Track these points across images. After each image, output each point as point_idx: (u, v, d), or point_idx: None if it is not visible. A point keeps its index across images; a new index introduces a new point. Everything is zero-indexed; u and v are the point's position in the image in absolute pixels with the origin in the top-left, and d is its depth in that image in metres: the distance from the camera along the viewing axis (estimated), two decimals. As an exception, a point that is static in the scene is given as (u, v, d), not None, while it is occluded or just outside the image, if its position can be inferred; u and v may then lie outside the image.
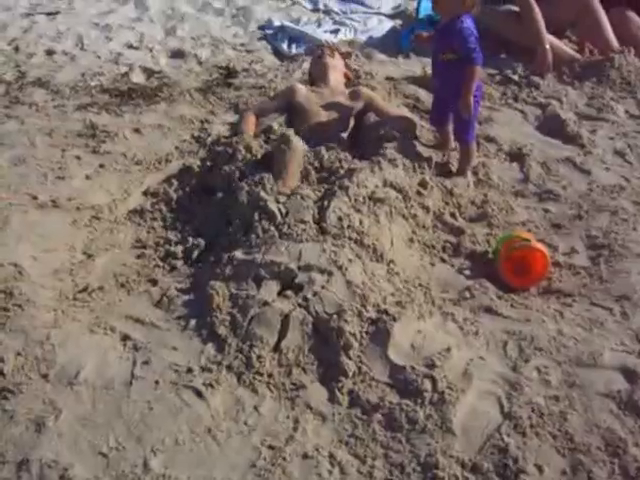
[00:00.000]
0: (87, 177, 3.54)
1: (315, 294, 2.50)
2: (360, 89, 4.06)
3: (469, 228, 3.19)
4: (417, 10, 5.91)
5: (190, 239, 3.04)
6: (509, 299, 2.74)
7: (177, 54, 5.44)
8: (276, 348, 2.38)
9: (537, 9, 4.88)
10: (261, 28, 6.03)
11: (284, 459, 2.03)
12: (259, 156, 3.42)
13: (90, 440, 2.06)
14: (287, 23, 5.90)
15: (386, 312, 2.45)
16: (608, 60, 4.75)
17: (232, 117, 4.28)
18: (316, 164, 3.36)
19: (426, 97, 4.41)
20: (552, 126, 4.16)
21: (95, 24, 6.05)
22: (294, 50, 5.54)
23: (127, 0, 6.64)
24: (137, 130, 4.05)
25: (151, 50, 5.52)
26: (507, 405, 2.19)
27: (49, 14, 6.29)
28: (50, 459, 1.98)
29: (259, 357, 2.33)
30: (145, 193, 3.45)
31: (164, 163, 3.72)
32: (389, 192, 3.12)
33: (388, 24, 6.03)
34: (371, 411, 2.19)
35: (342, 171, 3.23)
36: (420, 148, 3.61)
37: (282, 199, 3.00)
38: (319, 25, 6.04)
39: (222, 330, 2.43)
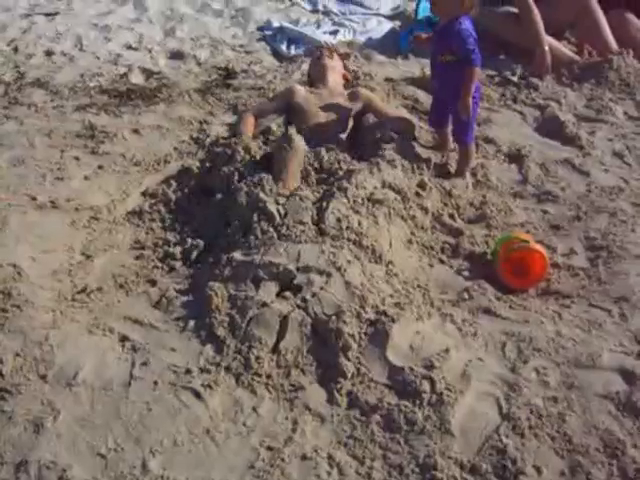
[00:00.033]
0: (86, 178, 3.54)
1: (314, 295, 2.50)
2: (359, 90, 4.07)
3: (468, 229, 3.20)
4: (416, 11, 5.91)
5: (189, 240, 3.04)
6: (508, 300, 2.75)
7: (176, 55, 5.44)
8: (275, 349, 2.38)
9: (536, 11, 4.88)
10: (260, 29, 6.03)
11: (283, 460, 2.03)
12: (258, 157, 3.43)
13: (89, 441, 2.06)
14: (286, 24, 5.90)
15: (385, 313, 2.45)
16: (607, 62, 4.76)
17: (231, 118, 4.28)
18: (316, 165, 3.37)
19: (425, 98, 4.41)
20: (551, 127, 4.16)
21: (94, 25, 6.05)
22: (293, 51, 5.53)
23: (126, 1, 6.63)
24: (136, 131, 4.06)
25: (150, 51, 5.52)
26: (506, 406, 2.19)
27: (48, 15, 6.29)
28: (48, 460, 1.98)
29: (258, 358, 2.33)
30: (144, 194, 3.44)
31: (163, 164, 3.72)
32: (388, 193, 3.12)
33: (387, 25, 6.02)
34: (370, 412, 2.19)
35: (341, 172, 3.24)
36: (419, 149, 3.61)
37: (281, 200, 3.00)
38: (318, 26, 6.04)
39: (221, 331, 2.43)
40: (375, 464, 2.03)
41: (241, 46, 5.69)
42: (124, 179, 3.56)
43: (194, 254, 2.97)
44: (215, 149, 3.60)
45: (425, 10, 5.60)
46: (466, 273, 2.95)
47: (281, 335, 2.40)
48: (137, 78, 4.96)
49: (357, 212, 2.94)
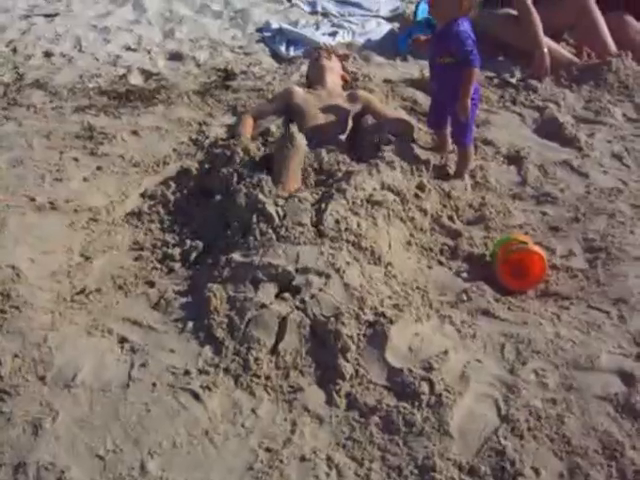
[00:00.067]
0: (85, 179, 3.54)
1: (312, 297, 2.50)
2: (358, 92, 4.07)
3: (467, 231, 3.20)
4: (415, 13, 5.91)
5: (188, 241, 3.04)
6: (506, 302, 2.75)
7: (175, 56, 5.44)
8: (273, 351, 2.38)
9: (535, 13, 4.89)
10: (259, 31, 6.03)
11: (281, 462, 2.03)
12: (257, 158, 3.43)
13: (87, 442, 2.06)
14: (285, 26, 5.90)
15: (383, 315, 2.45)
16: (606, 64, 4.76)
17: (230, 119, 4.28)
18: (315, 165, 3.37)
19: (424, 100, 4.41)
20: (550, 129, 4.16)
21: (93, 26, 6.05)
22: (292, 53, 5.54)
23: (125, 2, 6.63)
24: (135, 132, 4.05)
25: (149, 52, 5.52)
26: (504, 408, 2.19)
27: (47, 16, 6.29)
28: (47, 461, 1.98)
29: (256, 360, 2.33)
30: (143, 195, 3.44)
31: (162, 165, 3.72)
32: (387, 195, 3.12)
33: (386, 27, 6.03)
34: (368, 414, 2.19)
35: (340, 174, 3.24)
36: (418, 151, 3.61)
37: (280, 202, 3.00)
38: (317, 28, 6.04)
39: (219, 332, 2.43)
40: (374, 465, 2.03)
41: (240, 47, 5.69)
42: (123, 180, 3.56)
43: (193, 255, 2.97)
44: (214, 150, 3.60)
45: (424, 12, 5.61)
46: (465, 275, 2.95)
47: (280, 336, 2.40)
48: (136, 79, 4.96)
49: (356, 214, 2.94)
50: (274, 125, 3.83)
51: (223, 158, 3.45)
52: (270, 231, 2.85)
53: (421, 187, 3.31)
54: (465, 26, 3.31)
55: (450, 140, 3.71)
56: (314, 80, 4.30)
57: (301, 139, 3.33)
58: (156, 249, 3.06)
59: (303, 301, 2.48)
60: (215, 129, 4.13)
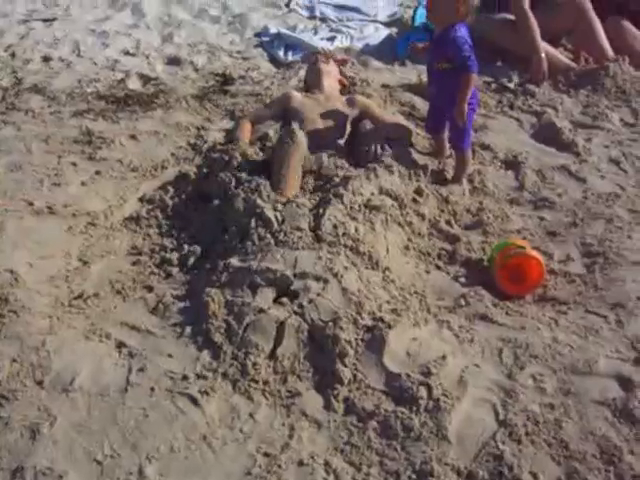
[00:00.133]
0: (83, 184, 3.54)
1: (311, 301, 2.50)
2: (356, 96, 4.08)
3: (464, 236, 3.20)
4: (413, 18, 5.93)
5: (186, 246, 3.04)
6: (504, 307, 2.75)
7: (173, 61, 5.45)
8: (271, 355, 2.38)
9: (532, 18, 4.90)
10: (257, 35, 6.04)
11: (279, 467, 2.03)
12: (255, 163, 3.43)
13: (85, 447, 2.06)
14: (283, 30, 5.91)
15: (381, 320, 2.45)
16: (603, 69, 4.77)
17: (228, 124, 4.28)
18: (314, 168, 3.38)
19: (422, 105, 4.42)
20: (547, 134, 4.17)
21: (92, 31, 6.06)
22: (290, 57, 5.54)
23: (124, 7, 6.65)
24: (133, 137, 4.06)
25: (147, 57, 5.52)
26: (502, 412, 2.19)
27: (46, 21, 6.30)
28: (45, 466, 1.98)
29: (254, 364, 2.33)
30: (141, 200, 3.45)
31: (160, 170, 3.73)
32: (385, 200, 3.12)
33: (384, 32, 6.04)
34: (366, 418, 2.19)
35: (337, 179, 3.24)
36: (416, 156, 3.61)
37: (279, 207, 3.00)
38: (315, 32, 6.05)
39: (217, 337, 2.43)
40: (372, 470, 2.03)
41: (238, 52, 5.70)
42: (121, 185, 3.56)
43: (191, 260, 2.97)
44: (212, 155, 3.60)
45: (422, 17, 5.63)
46: (463, 279, 2.95)
47: (278, 341, 2.40)
48: (134, 84, 4.96)
49: (354, 218, 2.95)
50: (272, 130, 3.84)
51: (221, 163, 3.45)
52: (268, 236, 2.85)
53: (419, 192, 3.32)
54: (462, 32, 3.31)
55: (448, 145, 3.71)
56: (312, 84, 4.30)
57: (302, 136, 3.34)
58: (154, 254, 3.05)
59: (301, 306, 2.49)
60: (213, 134, 4.13)
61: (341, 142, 3.76)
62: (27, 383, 2.26)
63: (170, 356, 2.39)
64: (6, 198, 3.32)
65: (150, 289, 2.80)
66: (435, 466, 2.01)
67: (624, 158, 3.92)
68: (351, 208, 2.99)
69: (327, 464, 2.04)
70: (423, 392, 2.22)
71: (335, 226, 2.86)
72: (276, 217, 2.93)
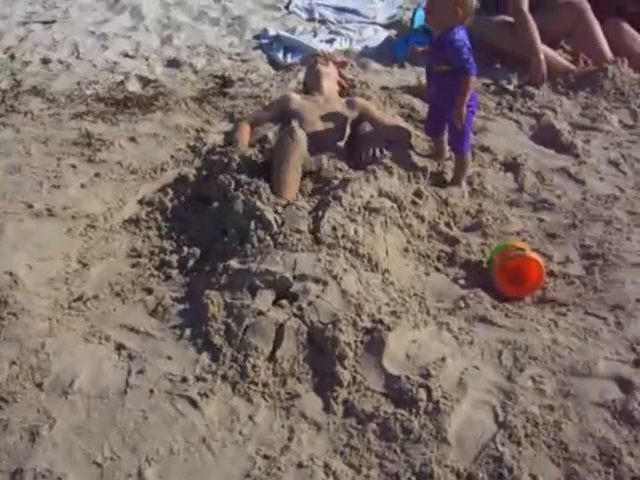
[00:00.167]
0: (82, 186, 3.54)
1: (310, 303, 2.50)
2: (355, 99, 4.08)
3: (464, 238, 3.20)
4: (412, 20, 5.93)
5: (185, 248, 3.04)
6: (504, 308, 2.75)
7: (173, 63, 5.45)
8: (271, 357, 2.38)
9: (531, 20, 4.89)
10: (257, 37, 6.04)
11: (279, 469, 2.03)
12: (254, 165, 3.43)
13: (84, 449, 2.06)
14: (283, 33, 5.92)
15: (381, 322, 2.45)
16: (602, 71, 4.77)
17: (228, 126, 4.28)
18: (314, 169, 3.38)
19: (421, 107, 4.42)
20: (546, 136, 4.17)
21: (91, 33, 6.06)
22: (289, 59, 5.54)
23: (123, 9, 6.65)
24: (133, 139, 4.06)
25: (147, 59, 5.52)
26: (502, 414, 2.19)
27: (45, 23, 6.30)
28: (44, 469, 1.98)
29: (254, 366, 2.33)
30: (140, 202, 3.45)
31: (159, 172, 3.73)
32: (384, 202, 3.12)
33: (383, 34, 6.04)
34: (366, 421, 2.19)
35: (336, 181, 3.24)
36: (415, 158, 3.61)
37: (279, 209, 3.00)
38: (315, 35, 6.05)
39: (217, 339, 2.43)
40: (371, 473, 2.03)
41: (237, 54, 5.70)
42: (121, 187, 3.56)
43: (190, 262, 2.97)
44: (211, 157, 3.59)
45: (421, 19, 5.62)
46: (462, 281, 2.95)
47: (277, 343, 2.40)
48: (134, 86, 4.96)
49: (353, 220, 2.95)
50: (271, 132, 3.83)
51: (220, 165, 3.45)
52: (268, 238, 2.85)
53: (418, 194, 3.32)
54: (461, 34, 3.32)
55: (447, 147, 3.71)
56: (311, 86, 4.30)
57: (301, 134, 3.34)
58: (154, 256, 3.06)
59: (300, 308, 2.49)
60: (212, 136, 4.13)
61: (341, 144, 3.75)
62: (26, 385, 2.26)
63: (169, 358, 2.40)
64: (5, 200, 3.32)
65: (149, 291, 2.81)
66: (435, 468, 2.01)
67: (623, 160, 3.92)
68: (350, 210, 2.99)
69: (327, 466, 2.04)
70: (423, 394, 2.22)
71: (334, 228, 2.86)
72: (275, 219, 2.93)
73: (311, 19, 6.52)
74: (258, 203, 3.02)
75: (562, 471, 2.02)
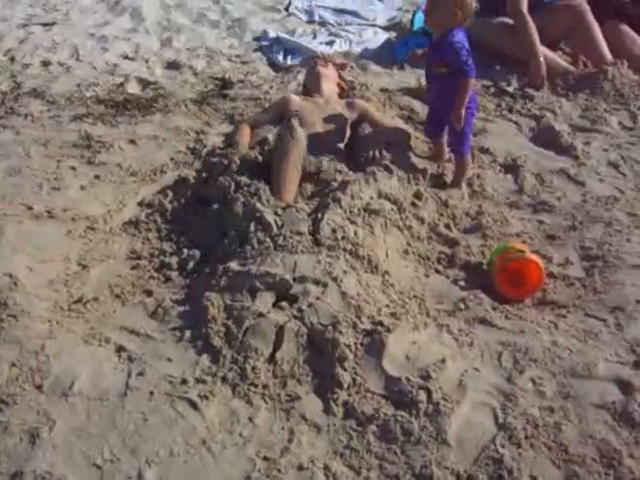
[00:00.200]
0: (82, 188, 3.55)
1: (310, 305, 2.50)
2: (355, 100, 4.08)
3: (464, 239, 3.20)
4: (412, 22, 5.93)
5: (185, 250, 3.04)
6: (504, 310, 2.74)
7: (172, 65, 5.45)
8: (271, 359, 2.38)
9: (531, 22, 4.90)
10: (256, 39, 6.04)
11: (279, 470, 2.03)
12: (254, 167, 3.42)
13: (84, 451, 2.06)
14: (282, 35, 5.92)
15: (381, 323, 2.45)
16: (602, 72, 4.77)
17: (227, 128, 4.28)
18: (313, 170, 3.38)
19: (421, 108, 4.42)
20: (546, 137, 4.17)
21: (91, 35, 6.07)
22: (289, 61, 5.55)
23: (123, 11, 6.65)
24: (132, 141, 4.06)
25: (147, 61, 5.53)
26: (502, 416, 2.19)
27: (45, 25, 6.31)
28: (44, 471, 1.98)
29: (254, 368, 2.33)
30: (140, 204, 3.45)
31: (159, 174, 3.73)
32: (384, 203, 3.12)
33: (383, 36, 6.05)
34: (366, 422, 2.19)
35: (336, 183, 3.24)
36: (415, 159, 3.61)
37: (278, 211, 3.00)
38: (314, 37, 6.06)
39: (217, 341, 2.43)
40: (371, 474, 2.03)
41: (237, 56, 5.70)
42: (120, 189, 3.56)
43: (190, 264, 2.97)
44: (211, 159, 3.59)
45: (420, 21, 5.62)
46: (462, 283, 2.95)
47: (277, 345, 2.40)
48: (133, 88, 4.97)
49: (353, 222, 2.95)
50: (271, 134, 3.83)
51: (220, 167, 3.45)
52: (268, 240, 2.85)
53: (418, 196, 3.32)
54: (460, 36, 3.32)
55: (447, 149, 3.71)
56: (311, 88, 4.30)
57: (301, 132, 3.34)
58: (153, 258, 3.06)
59: (300, 310, 2.49)
60: (212, 138, 4.13)
61: (341, 146, 3.75)
62: (26, 387, 2.26)
63: (169, 360, 2.40)
64: (5, 202, 3.32)
65: (149, 293, 2.81)
66: (435, 470, 2.01)
67: (623, 161, 3.92)
68: (350, 212, 2.99)
69: (327, 468, 2.04)
70: (423, 396, 2.22)
71: (334, 230, 2.86)
72: (275, 221, 2.93)
73: (311, 21, 6.52)
74: (258, 205, 3.02)
75: (562, 473, 2.02)
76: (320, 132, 3.72)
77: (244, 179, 3.28)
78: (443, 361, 2.37)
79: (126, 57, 5.61)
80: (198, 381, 2.30)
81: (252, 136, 3.89)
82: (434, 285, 2.93)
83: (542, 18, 4.97)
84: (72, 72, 5.26)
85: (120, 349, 2.45)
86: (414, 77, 5.05)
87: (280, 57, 5.60)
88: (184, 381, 2.30)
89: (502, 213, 3.41)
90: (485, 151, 3.98)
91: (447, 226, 3.29)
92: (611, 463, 2.04)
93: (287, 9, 6.79)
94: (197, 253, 3.01)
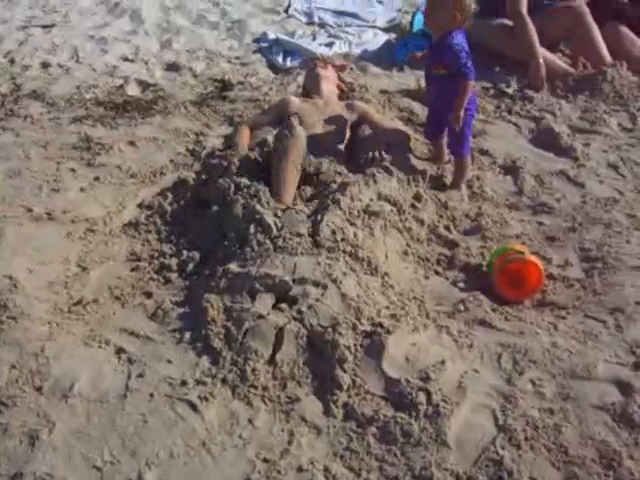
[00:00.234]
0: (82, 190, 3.55)
1: (310, 307, 2.50)
2: (354, 102, 4.09)
3: (463, 241, 3.20)
4: (411, 24, 5.94)
5: (185, 252, 3.04)
6: (503, 312, 2.74)
7: (172, 67, 5.46)
8: (271, 361, 2.38)
9: (530, 23, 4.90)
10: (256, 41, 6.05)
11: (279, 472, 2.03)
12: (254, 169, 3.43)
13: (84, 453, 2.05)
14: (282, 36, 5.93)
15: (380, 325, 2.45)
16: (601, 74, 4.77)
17: (227, 130, 4.29)
18: (313, 170, 3.38)
19: (420, 110, 4.42)
20: (546, 139, 4.17)
21: (90, 37, 6.08)
22: (289, 63, 5.55)
23: (122, 13, 6.66)
24: (132, 143, 4.07)
25: (146, 63, 5.53)
26: (502, 418, 2.19)
27: (45, 27, 6.31)
28: (44, 473, 1.98)
29: (254, 370, 2.33)
30: (140, 206, 3.45)
31: (159, 176, 3.73)
32: (384, 205, 3.12)
33: (383, 37, 6.05)
34: (366, 424, 2.18)
35: (335, 185, 3.24)
36: (414, 161, 3.62)
37: (278, 212, 3.00)
38: (314, 38, 6.06)
39: (217, 343, 2.43)
40: (371, 476, 2.03)
41: (237, 58, 5.71)
42: (120, 191, 3.57)
43: (190, 266, 2.97)
44: (211, 161, 3.59)
45: (420, 22, 5.63)
46: (462, 285, 2.95)
47: (277, 347, 2.40)
48: (133, 90, 4.97)
49: (353, 224, 2.95)
50: (271, 136, 3.83)
51: (220, 169, 3.45)
52: (267, 241, 2.85)
53: (418, 197, 3.32)
54: (459, 38, 3.32)
55: (447, 150, 3.71)
56: (310, 90, 4.30)
57: (300, 130, 3.34)
58: (153, 260, 3.06)
59: (300, 311, 2.49)
60: (212, 139, 4.14)
61: (340, 147, 3.75)
62: (26, 389, 2.26)
63: (169, 362, 2.39)
64: (5, 204, 3.32)
65: (149, 295, 2.81)
66: (435, 471, 2.01)
67: (622, 163, 3.92)
68: (350, 214, 2.99)
69: (326, 470, 2.04)
70: (422, 397, 2.22)
71: (334, 232, 2.86)
72: (275, 223, 2.93)
73: (310, 23, 6.53)
74: (258, 206, 3.02)
75: (562, 474, 2.02)
76: (320, 133, 3.72)
77: (244, 181, 3.28)
78: (443, 363, 2.37)
79: (126, 59, 5.62)
80: (198, 383, 2.30)
81: (252, 138, 3.90)
82: (434, 287, 2.93)
83: (541, 20, 4.97)
84: (72, 74, 5.27)
85: (120, 351, 2.45)
86: (414, 79, 5.06)
87: (280, 59, 5.61)
88: (184, 383, 2.29)
89: (502, 214, 3.41)
90: (485, 153, 3.99)
91: (447, 228, 3.29)
92: (611, 464, 2.04)
93: (287, 11, 6.80)
94: (197, 255, 3.01)
